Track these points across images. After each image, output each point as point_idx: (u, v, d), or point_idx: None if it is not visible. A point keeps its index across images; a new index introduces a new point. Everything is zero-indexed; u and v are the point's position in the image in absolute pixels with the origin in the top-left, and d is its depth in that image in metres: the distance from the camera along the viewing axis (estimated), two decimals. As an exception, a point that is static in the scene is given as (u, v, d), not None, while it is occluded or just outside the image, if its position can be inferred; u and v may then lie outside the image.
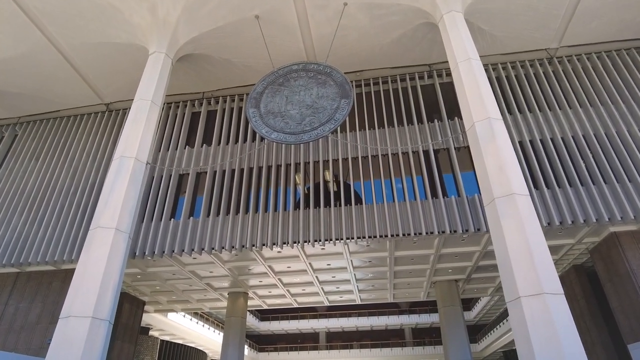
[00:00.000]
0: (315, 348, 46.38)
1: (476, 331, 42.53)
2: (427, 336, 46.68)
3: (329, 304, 23.90)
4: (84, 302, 9.98)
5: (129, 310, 21.35)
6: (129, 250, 14.69)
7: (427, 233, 13.62)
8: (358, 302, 23.32)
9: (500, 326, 36.63)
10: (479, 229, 13.46)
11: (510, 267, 9.11)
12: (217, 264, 17.16)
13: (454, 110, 16.23)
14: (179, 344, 32.76)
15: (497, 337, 37.85)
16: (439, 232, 13.59)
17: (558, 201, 13.44)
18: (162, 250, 14.68)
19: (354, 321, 46.60)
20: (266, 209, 15.08)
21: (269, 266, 17.78)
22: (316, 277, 19.25)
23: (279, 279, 19.35)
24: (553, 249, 16.98)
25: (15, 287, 17.36)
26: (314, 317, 47.21)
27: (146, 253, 14.73)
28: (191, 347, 34.36)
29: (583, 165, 14.04)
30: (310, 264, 17.71)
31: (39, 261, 15.52)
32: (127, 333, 21.05)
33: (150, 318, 26.84)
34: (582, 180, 13.81)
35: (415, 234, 13.64)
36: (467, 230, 13.51)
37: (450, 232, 13.52)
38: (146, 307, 23.96)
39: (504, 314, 36.45)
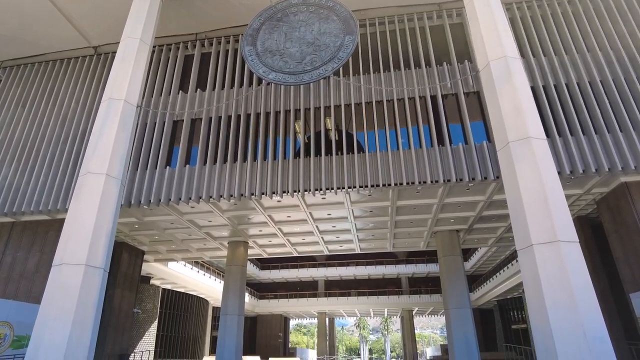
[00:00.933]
0: (314, 295, 47.59)
1: (472, 281, 43.47)
2: (423, 285, 47.83)
3: (328, 253, 23.95)
4: (77, 249, 9.61)
5: (128, 259, 21.34)
6: (124, 199, 14.33)
7: (432, 182, 13.13)
8: (358, 251, 23.34)
9: (495, 277, 37.31)
10: (485, 178, 12.95)
11: (523, 214, 8.67)
12: (215, 213, 16.81)
13: (464, 54, 15.24)
14: (180, 292, 33.37)
15: (492, 287, 38.69)
16: (444, 181, 13.08)
17: (570, 149, 12.83)
18: (158, 198, 14.23)
19: (352, 270, 47.49)
20: (265, 157, 14.48)
21: (269, 215, 17.46)
22: (316, 226, 19.02)
23: (279, 228, 19.13)
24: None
25: (11, 237, 17.12)
26: (313, 266, 48.07)
27: (142, 201, 14.29)
28: (193, 295, 35.05)
29: (598, 112, 13.30)
30: (310, 213, 17.38)
31: (33, 210, 15.10)
32: (127, 282, 21.16)
33: (150, 267, 27.03)
34: (596, 128, 13.12)
35: (419, 182, 13.14)
36: (473, 179, 13.01)
37: (456, 180, 13.02)
38: (146, 257, 24.00)
39: (500, 265, 37.05)
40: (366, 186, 13.30)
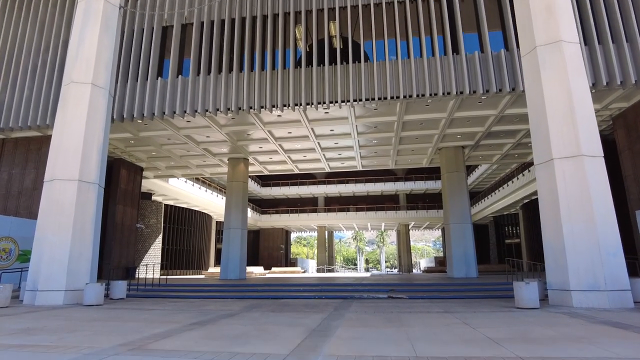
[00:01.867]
0: (314, 211, 48.74)
1: (470, 197, 44.10)
2: (420, 201, 48.74)
3: (329, 171, 23.68)
4: (67, 164, 9.10)
5: (127, 176, 21.08)
6: (116, 113, 13.51)
7: (443, 94, 12.25)
8: (359, 168, 23.05)
9: (494, 194, 37.71)
10: (500, 90, 12.07)
11: (545, 126, 8.02)
12: (213, 128, 16.09)
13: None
14: (183, 207, 33.89)
15: (490, 204, 39.32)
16: (456, 93, 12.20)
17: (595, 59, 11.74)
18: (152, 112, 13.42)
19: (352, 187, 48.00)
20: (263, 67, 13.39)
21: (269, 131, 16.78)
22: (318, 143, 18.43)
23: (279, 145, 18.55)
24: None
25: (4, 154, 16.60)
26: (313, 183, 48.48)
27: (134, 115, 13.49)
28: (196, 210, 35.69)
29: (634, 18, 11.94)
30: (312, 129, 16.68)
31: (21, 126, 14.37)
32: (127, 198, 21.14)
33: (151, 184, 26.98)
34: (628, 36, 11.88)
35: (430, 94, 12.26)
36: (487, 91, 12.13)
37: (470, 92, 12.13)
38: (145, 173, 23.76)
39: (500, 183, 37.26)
40: (373, 99, 12.44)
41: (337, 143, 18.71)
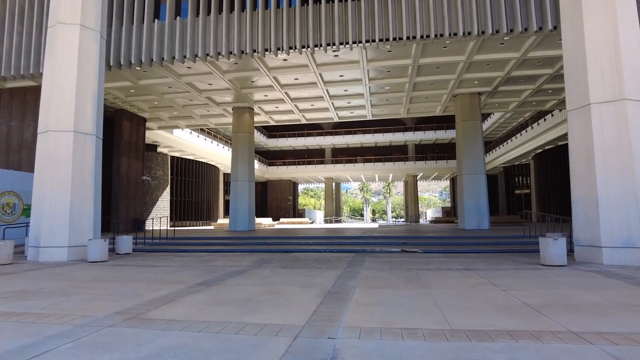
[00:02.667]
0: (322, 162, 48.23)
1: (480, 147, 43.12)
2: (429, 152, 47.89)
3: (338, 120, 22.83)
4: (61, 114, 8.46)
5: (129, 127, 20.45)
6: (113, 60, 12.65)
7: (464, 34, 11.18)
8: (369, 117, 22.15)
9: (507, 143, 36.72)
10: (526, 29, 10.99)
11: (583, 66, 7.16)
12: (215, 74, 15.19)
13: None
14: (190, 159, 33.49)
15: (501, 154, 38.43)
16: (478, 33, 11.13)
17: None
18: (150, 57, 12.53)
19: (359, 138, 47.08)
20: (267, 6, 12.27)
21: (274, 78, 15.83)
22: (326, 90, 17.48)
23: (285, 92, 17.64)
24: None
25: (0, 105, 16.02)
26: (320, 134, 47.60)
27: (132, 61, 12.64)
28: (203, 162, 35.32)
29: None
30: (320, 75, 15.70)
31: (14, 74, 13.58)
32: (131, 150, 20.64)
33: (156, 135, 26.38)
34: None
35: (450, 34, 11.20)
36: (511, 31, 11.06)
37: (492, 32, 11.06)
38: (148, 124, 23.11)
39: (513, 132, 36.15)
40: (387, 39, 11.41)
41: (346, 90, 17.76)
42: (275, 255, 9.26)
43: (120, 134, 19.71)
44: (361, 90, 17.65)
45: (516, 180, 43.27)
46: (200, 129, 32.01)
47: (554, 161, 31.83)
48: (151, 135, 25.70)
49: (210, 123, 23.22)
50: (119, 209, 19.33)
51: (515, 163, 40.81)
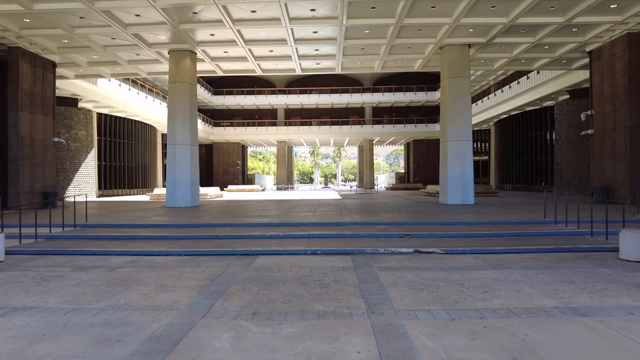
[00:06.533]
0: (274, 124, 44.23)
1: (438, 112, 41.33)
2: (386, 115, 45.52)
3: (300, 73, 19.26)
4: None
5: (31, 73, 15.56)
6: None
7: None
8: (337, 71, 18.74)
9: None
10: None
11: None
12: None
13: None
14: (121, 117, 28.32)
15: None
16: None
17: None
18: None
19: (315, 98, 43.46)
20: None
21: (224, 7, 11.93)
22: (291, 29, 13.79)
23: (237, 30, 13.73)
24: (618, 10, 12.50)
25: None
26: (272, 92, 43.36)
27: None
28: (137, 120, 30.20)
29: None
30: (286, 5, 12.00)
31: None
32: (36, 103, 15.83)
33: (74, 86, 21.25)
34: None
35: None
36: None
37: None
38: (62, 71, 18.19)
39: (477, 97, 34.34)
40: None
41: (316, 32, 14.23)
42: (232, 268, 5.98)
43: (17, 82, 14.88)
44: (335, 33, 14.18)
45: (474, 146, 42.16)
46: (132, 80, 26.92)
47: (520, 126, 30.32)
48: (68, 86, 20.67)
49: (142, 72, 18.70)
50: (19, 180, 14.85)
51: (475, 129, 39.45)
